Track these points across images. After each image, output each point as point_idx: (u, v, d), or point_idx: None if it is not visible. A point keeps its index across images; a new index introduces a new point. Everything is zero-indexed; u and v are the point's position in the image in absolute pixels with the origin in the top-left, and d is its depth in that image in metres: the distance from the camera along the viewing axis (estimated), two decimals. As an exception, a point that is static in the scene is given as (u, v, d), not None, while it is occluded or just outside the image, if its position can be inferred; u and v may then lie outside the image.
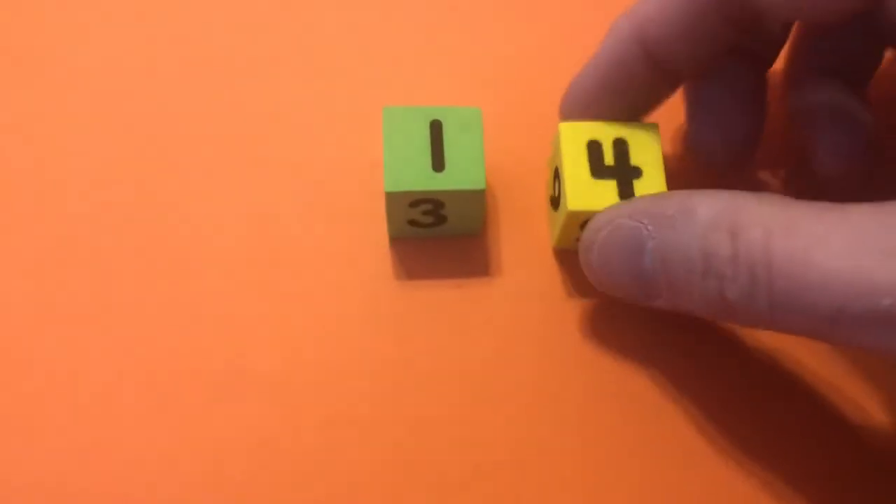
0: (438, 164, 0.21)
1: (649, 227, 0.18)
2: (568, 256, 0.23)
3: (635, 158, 0.21)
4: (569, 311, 0.23)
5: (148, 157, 0.24)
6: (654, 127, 0.22)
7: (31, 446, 0.21)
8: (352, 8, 0.26)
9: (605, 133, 0.21)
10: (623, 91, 0.21)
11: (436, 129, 0.21)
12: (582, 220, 0.21)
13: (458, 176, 0.21)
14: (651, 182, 0.21)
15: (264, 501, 0.20)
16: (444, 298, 0.23)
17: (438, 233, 0.23)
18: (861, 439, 0.22)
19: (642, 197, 0.20)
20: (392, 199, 0.21)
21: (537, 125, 0.25)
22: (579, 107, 0.22)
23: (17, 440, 0.21)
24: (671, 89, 0.22)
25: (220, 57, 0.25)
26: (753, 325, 0.18)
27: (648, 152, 0.21)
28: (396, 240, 0.23)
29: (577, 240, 0.21)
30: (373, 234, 0.23)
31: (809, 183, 0.22)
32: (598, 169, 0.21)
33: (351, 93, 0.25)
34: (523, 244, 0.23)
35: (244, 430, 0.21)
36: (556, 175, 0.22)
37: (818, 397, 0.22)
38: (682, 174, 0.24)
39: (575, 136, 0.21)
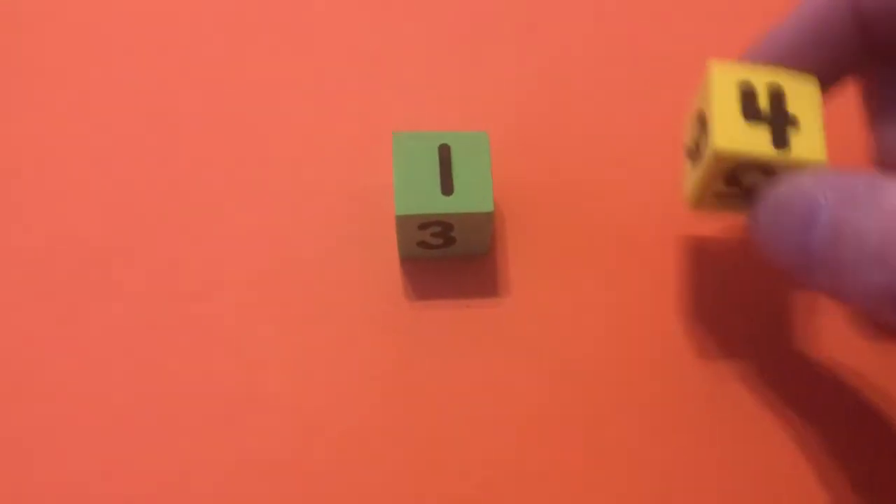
0: (447, 187, 0.22)
1: (829, 199, 0.17)
2: (574, 274, 0.24)
3: (793, 106, 0.19)
4: (575, 330, 0.23)
5: (164, 183, 0.25)
6: (812, 79, 0.20)
7: (50, 465, 0.21)
8: (361, 35, 0.27)
9: (761, 77, 0.20)
10: (823, 51, 0.20)
11: (444, 153, 0.22)
12: (728, 168, 0.20)
13: (467, 199, 0.21)
14: (809, 135, 0.19)
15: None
16: (453, 317, 0.23)
17: (447, 253, 0.24)
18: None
19: (828, 169, 0.19)
20: (402, 221, 0.22)
21: (543, 148, 0.26)
22: (771, 56, 0.21)
23: (37, 457, 0.21)
24: (871, 61, 0.21)
25: (235, 84, 0.26)
26: None
27: (807, 103, 0.20)
28: (406, 260, 0.24)
29: (717, 197, 0.21)
30: (383, 255, 0.24)
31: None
32: (751, 112, 0.19)
33: (360, 118, 0.26)
34: (530, 263, 0.24)
35: (257, 449, 0.22)
36: (700, 120, 0.20)
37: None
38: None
39: (727, 77, 0.20)
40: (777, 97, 0.19)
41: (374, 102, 0.26)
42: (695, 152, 0.21)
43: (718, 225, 0.25)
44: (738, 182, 0.20)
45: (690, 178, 0.21)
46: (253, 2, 0.28)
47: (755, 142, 0.19)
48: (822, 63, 0.20)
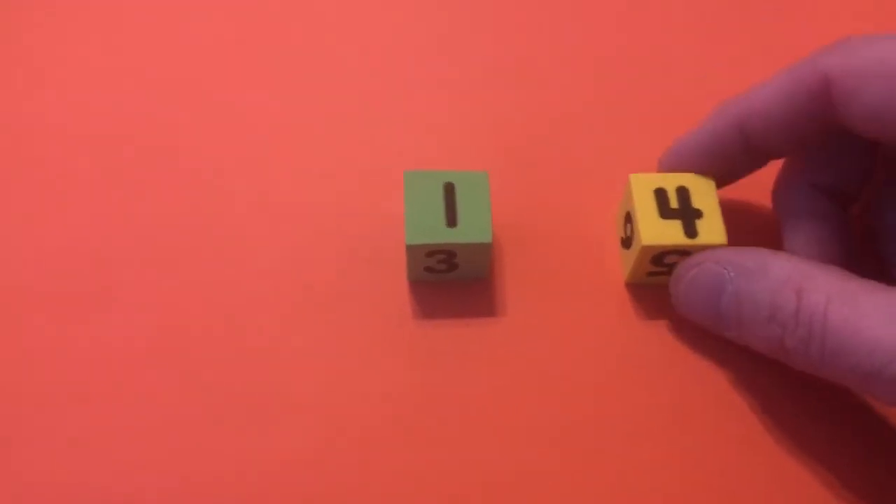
0: (452, 220, 0.24)
1: (731, 274, 0.22)
2: (563, 297, 0.26)
3: (696, 202, 0.24)
4: (566, 346, 0.25)
5: (201, 212, 0.27)
6: (709, 178, 0.25)
7: (90, 463, 0.23)
8: (377, 84, 0.30)
9: (669, 182, 0.25)
10: (719, 162, 0.25)
11: (449, 190, 0.24)
12: (653, 255, 0.24)
13: (469, 230, 0.24)
14: (711, 222, 0.24)
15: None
16: (455, 334, 0.25)
17: (451, 277, 0.26)
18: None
19: (728, 248, 0.23)
20: (412, 250, 0.24)
21: (537, 186, 0.28)
22: (677, 164, 0.25)
23: (76, 457, 0.23)
24: (759, 165, 0.25)
25: (264, 125, 0.29)
26: (804, 369, 0.21)
27: (707, 197, 0.24)
28: (414, 283, 0.26)
29: (648, 274, 0.25)
30: (394, 279, 0.26)
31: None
32: (665, 211, 0.24)
33: (375, 157, 0.28)
34: (524, 287, 0.26)
35: (280, 449, 0.24)
36: (628, 218, 0.25)
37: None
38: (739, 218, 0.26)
39: (644, 184, 0.24)
40: (684, 196, 0.24)
41: (387, 144, 0.29)
42: (627, 242, 0.26)
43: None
44: (662, 262, 0.25)
45: (626, 261, 0.26)
46: (284, 45, 0.30)
47: (671, 234, 0.24)
48: (720, 169, 0.25)
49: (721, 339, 0.24)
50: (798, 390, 0.25)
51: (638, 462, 0.24)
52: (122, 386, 0.24)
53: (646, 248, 0.24)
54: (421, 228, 0.24)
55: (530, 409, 0.25)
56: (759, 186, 0.26)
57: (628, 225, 0.25)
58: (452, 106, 0.30)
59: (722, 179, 0.25)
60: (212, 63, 0.30)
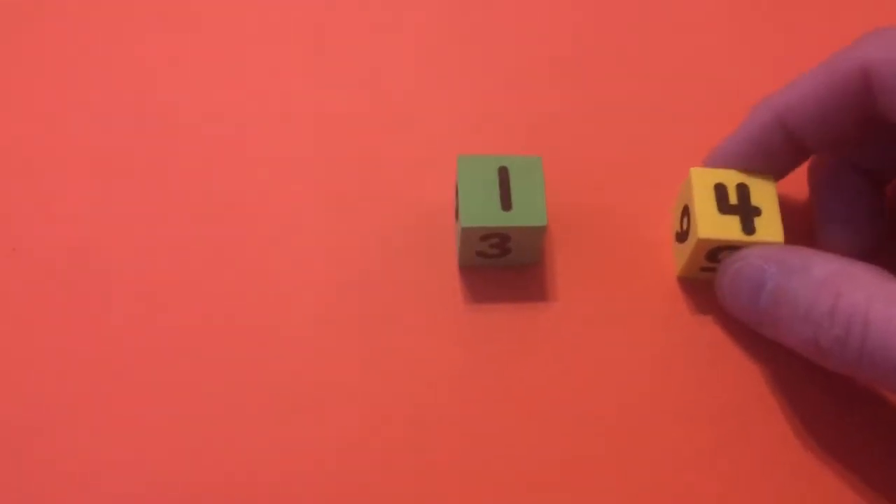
0: (507, 203, 0.24)
1: (773, 270, 0.22)
2: (615, 283, 0.26)
3: (755, 199, 0.24)
4: (615, 335, 0.26)
5: (250, 200, 0.27)
6: (769, 176, 0.25)
7: (130, 454, 0.24)
8: (433, 71, 0.30)
9: (730, 178, 0.24)
10: (760, 157, 0.24)
11: (503, 174, 0.24)
12: (708, 249, 0.24)
13: (524, 213, 0.24)
14: (769, 220, 0.24)
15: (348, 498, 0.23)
16: (506, 320, 0.26)
17: (502, 263, 0.26)
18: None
19: (774, 245, 0.23)
20: (467, 233, 0.24)
21: (591, 171, 0.28)
22: (721, 164, 0.25)
23: (111, 449, 0.24)
24: (802, 160, 0.25)
25: (319, 114, 0.29)
26: (839, 369, 0.21)
27: (767, 195, 0.24)
28: (465, 269, 0.26)
29: (701, 269, 0.25)
30: (444, 264, 0.26)
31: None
32: (724, 206, 0.24)
33: (428, 143, 0.28)
34: (576, 273, 0.26)
35: (327, 438, 0.24)
36: (685, 212, 0.25)
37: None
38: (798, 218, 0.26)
39: (704, 179, 0.24)
40: (743, 193, 0.24)
41: (441, 129, 0.29)
42: (683, 236, 0.25)
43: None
44: (716, 258, 0.25)
45: (679, 255, 0.26)
46: (335, 40, 0.30)
47: (728, 230, 0.24)
48: (762, 166, 0.25)
49: (767, 338, 0.24)
50: (842, 394, 0.25)
51: (677, 454, 0.24)
52: (161, 378, 0.25)
53: (702, 242, 0.24)
54: (476, 211, 0.24)
55: (578, 396, 0.25)
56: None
57: (685, 219, 0.25)
58: (507, 92, 0.30)
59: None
60: (252, 43, 0.30)
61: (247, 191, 0.27)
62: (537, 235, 0.25)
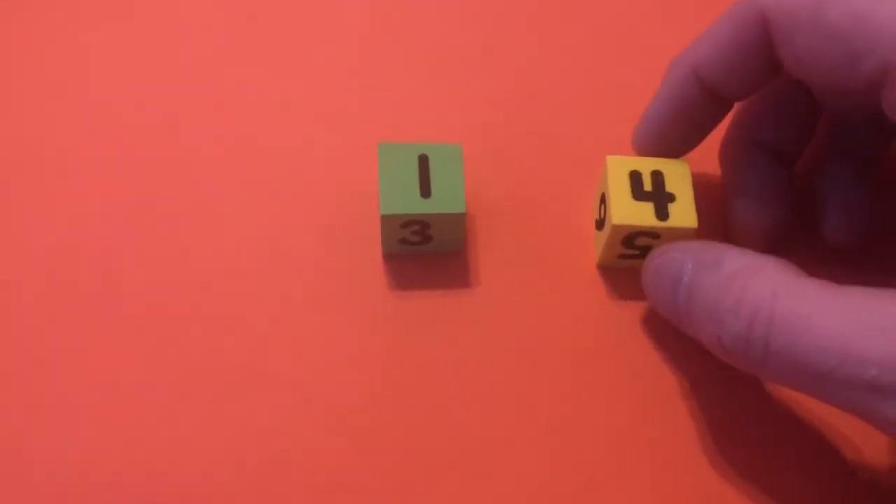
0: (426, 191, 0.24)
1: (689, 266, 0.22)
2: (534, 269, 0.27)
3: (670, 186, 0.24)
4: (536, 321, 0.26)
5: (181, 188, 0.27)
6: (684, 162, 0.25)
7: (63, 439, 0.24)
8: (352, 58, 0.30)
9: (645, 165, 0.25)
10: (686, 119, 0.25)
11: (423, 161, 0.25)
12: (623, 235, 0.24)
13: (443, 201, 0.24)
14: (683, 206, 0.24)
15: (279, 483, 0.23)
16: (429, 306, 0.26)
17: (425, 250, 0.26)
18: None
19: (697, 241, 0.23)
20: (387, 220, 0.24)
21: (509, 159, 0.28)
22: (651, 137, 0.25)
23: (53, 435, 0.24)
24: (724, 113, 0.25)
25: (241, 96, 0.29)
26: (747, 369, 0.20)
27: (681, 181, 0.25)
28: (389, 256, 0.27)
29: (620, 256, 0.26)
30: (368, 252, 0.26)
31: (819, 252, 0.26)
32: (638, 193, 0.24)
33: (349, 130, 0.29)
34: (497, 260, 0.27)
35: (256, 422, 0.24)
36: (602, 200, 0.25)
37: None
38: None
39: (619, 167, 0.25)
40: (658, 180, 0.25)
41: (361, 117, 0.29)
42: (601, 224, 0.26)
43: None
44: (633, 245, 0.25)
45: (598, 243, 0.26)
46: (257, 22, 0.30)
47: (643, 216, 0.24)
48: (691, 128, 0.25)
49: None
50: (756, 384, 0.26)
51: (599, 436, 0.25)
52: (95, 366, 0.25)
53: (616, 228, 0.24)
54: (395, 199, 0.24)
55: (501, 381, 0.25)
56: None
57: (602, 206, 0.26)
58: (427, 80, 0.30)
59: (693, 137, 0.26)
60: (181, 33, 0.30)
61: (173, 180, 0.27)
62: (457, 222, 0.25)
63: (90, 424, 0.24)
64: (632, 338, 0.26)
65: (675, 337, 0.25)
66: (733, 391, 0.25)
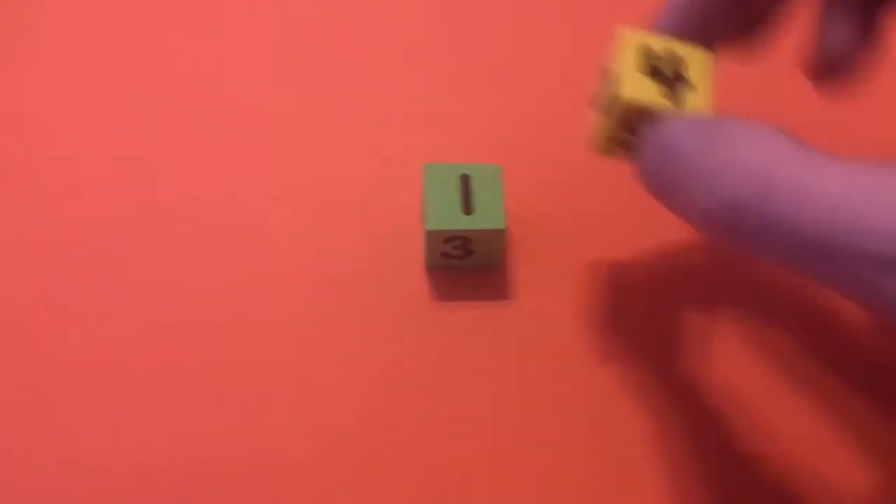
0: (468, 208, 0.26)
1: (689, 134, 0.19)
2: (572, 283, 0.28)
3: (688, 72, 0.21)
4: (571, 328, 0.27)
5: (234, 201, 0.29)
6: (705, 52, 0.22)
7: (60, 438, 0.25)
8: (401, 83, 0.32)
9: (663, 44, 0.22)
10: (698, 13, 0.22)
11: (465, 181, 0.26)
12: (630, 113, 0.21)
13: (484, 218, 0.26)
14: (700, 95, 0.21)
15: (315, 483, 0.25)
16: (469, 316, 0.27)
17: (466, 264, 0.28)
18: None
19: (694, 111, 0.21)
20: (431, 235, 0.26)
21: (548, 178, 0.30)
22: (669, 25, 0.22)
23: (50, 433, 0.25)
24: (748, 24, 0.23)
25: (299, 124, 0.31)
26: (741, 244, 0.18)
27: (700, 70, 0.22)
28: (431, 269, 0.28)
29: (616, 142, 0.22)
30: (412, 265, 0.28)
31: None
32: (652, 71, 0.21)
33: (396, 152, 0.30)
34: (535, 274, 0.28)
35: (304, 427, 0.25)
36: (609, 76, 0.22)
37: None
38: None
39: (633, 40, 0.22)
40: (676, 63, 0.22)
41: (408, 139, 0.30)
42: (602, 104, 0.23)
43: (701, 240, 0.29)
44: (635, 130, 0.22)
45: (597, 126, 0.23)
46: (304, 40, 0.32)
47: (654, 94, 0.21)
48: (712, 26, 0.22)
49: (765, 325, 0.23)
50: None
51: (635, 443, 0.25)
52: (146, 370, 0.26)
53: (624, 103, 0.21)
54: (439, 215, 0.25)
55: (537, 385, 0.26)
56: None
57: (609, 83, 0.22)
58: (469, 104, 0.31)
59: (738, 18, 0.23)
60: (230, 54, 0.32)
61: (226, 198, 0.29)
62: (497, 238, 0.26)
63: (137, 427, 0.25)
64: (666, 348, 0.27)
65: (713, 342, 0.26)
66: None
